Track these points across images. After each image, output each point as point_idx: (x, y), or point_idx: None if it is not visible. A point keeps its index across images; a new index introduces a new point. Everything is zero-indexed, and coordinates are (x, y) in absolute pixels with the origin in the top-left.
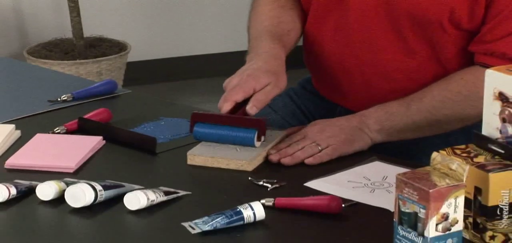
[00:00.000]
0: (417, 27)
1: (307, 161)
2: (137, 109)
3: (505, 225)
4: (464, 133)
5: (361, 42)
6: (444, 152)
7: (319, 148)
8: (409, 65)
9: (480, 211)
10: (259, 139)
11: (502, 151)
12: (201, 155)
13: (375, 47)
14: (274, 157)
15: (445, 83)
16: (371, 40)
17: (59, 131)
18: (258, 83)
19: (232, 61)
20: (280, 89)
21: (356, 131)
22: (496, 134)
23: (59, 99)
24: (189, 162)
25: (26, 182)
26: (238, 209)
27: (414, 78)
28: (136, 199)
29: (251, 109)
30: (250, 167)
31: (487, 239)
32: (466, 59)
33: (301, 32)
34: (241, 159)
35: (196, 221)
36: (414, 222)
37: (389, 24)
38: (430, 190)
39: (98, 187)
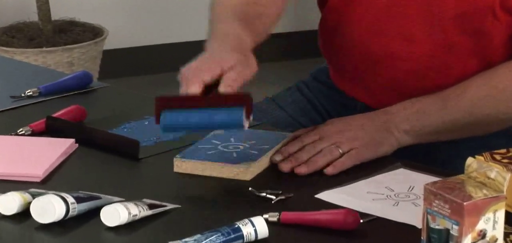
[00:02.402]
0: (461, 16)
1: (327, 171)
2: (116, 106)
3: None
4: (506, 135)
5: (391, 31)
6: (481, 158)
7: (340, 151)
8: (446, 61)
9: None
10: (247, 118)
11: None
12: (190, 161)
13: (407, 37)
14: (285, 166)
15: (488, 77)
16: (403, 30)
17: (23, 132)
18: (224, 62)
19: None
20: (252, 70)
21: (382, 131)
22: None
23: (23, 95)
24: (175, 169)
25: None
26: (236, 226)
27: (451, 75)
28: (116, 213)
29: (226, 89)
30: (247, 176)
31: None
32: (511, 50)
33: (277, 18)
34: (236, 165)
35: (187, 239)
36: (445, 241)
37: (426, 12)
38: (465, 203)
39: (70, 199)
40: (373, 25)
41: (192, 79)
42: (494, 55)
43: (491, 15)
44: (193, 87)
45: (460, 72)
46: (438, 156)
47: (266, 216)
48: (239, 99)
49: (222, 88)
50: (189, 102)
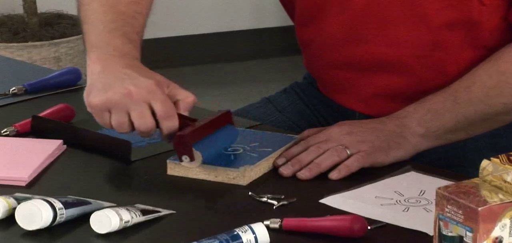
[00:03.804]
0: (446, 9)
1: (331, 175)
2: None
3: None
4: None
5: (372, 36)
6: (496, 160)
7: (348, 152)
8: (438, 59)
9: None
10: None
11: None
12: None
13: (391, 41)
14: (286, 170)
15: (494, 65)
16: (384, 33)
17: (7, 133)
18: (161, 83)
19: (226, 44)
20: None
21: (395, 136)
22: None
23: (7, 93)
24: (169, 171)
25: None
26: (235, 233)
27: (447, 73)
28: (106, 219)
29: (185, 110)
30: (243, 181)
31: None
32: (506, 34)
33: (148, 16)
34: (232, 169)
35: None
36: None
37: (407, 11)
38: (479, 208)
39: (58, 204)
40: (349, 32)
41: (169, 112)
42: (488, 43)
43: (476, 2)
44: (175, 121)
45: (456, 68)
46: (449, 158)
47: (267, 222)
48: (225, 118)
49: (182, 110)
50: (203, 132)
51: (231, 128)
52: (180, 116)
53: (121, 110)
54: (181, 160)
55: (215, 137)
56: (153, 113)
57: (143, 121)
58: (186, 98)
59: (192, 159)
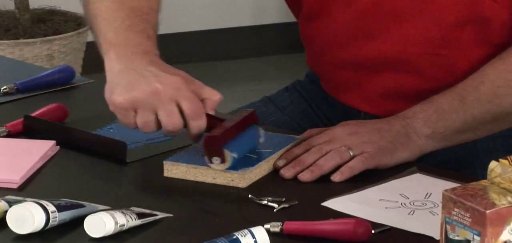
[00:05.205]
0: (457, 6)
1: (333, 177)
2: (101, 104)
3: None
4: None
5: (379, 33)
6: (505, 161)
7: (351, 153)
8: (448, 57)
9: None
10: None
11: None
12: (182, 165)
13: (399, 38)
14: (287, 172)
15: (503, 63)
16: (392, 30)
17: None
18: (188, 82)
19: (226, 41)
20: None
21: (401, 137)
22: None
23: None
24: (166, 173)
25: None
26: (234, 237)
27: (457, 72)
28: (101, 223)
29: (211, 109)
30: (243, 183)
31: None
32: None
33: (159, 12)
34: (231, 171)
35: None
36: None
37: (416, 7)
38: (487, 211)
39: (51, 207)
40: (356, 27)
41: (198, 112)
42: (498, 40)
43: None
44: (202, 121)
45: (467, 66)
46: (456, 158)
47: (267, 226)
48: (251, 118)
49: (208, 109)
50: (232, 133)
51: (256, 129)
52: (207, 115)
53: (148, 109)
54: (210, 162)
55: (243, 138)
56: (181, 112)
57: (171, 120)
58: (213, 96)
59: (223, 160)
